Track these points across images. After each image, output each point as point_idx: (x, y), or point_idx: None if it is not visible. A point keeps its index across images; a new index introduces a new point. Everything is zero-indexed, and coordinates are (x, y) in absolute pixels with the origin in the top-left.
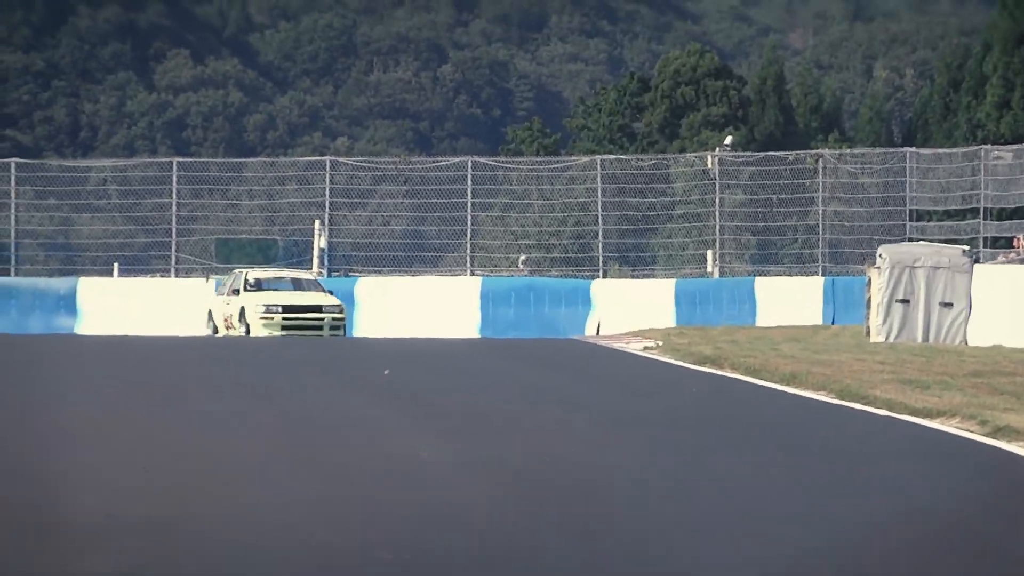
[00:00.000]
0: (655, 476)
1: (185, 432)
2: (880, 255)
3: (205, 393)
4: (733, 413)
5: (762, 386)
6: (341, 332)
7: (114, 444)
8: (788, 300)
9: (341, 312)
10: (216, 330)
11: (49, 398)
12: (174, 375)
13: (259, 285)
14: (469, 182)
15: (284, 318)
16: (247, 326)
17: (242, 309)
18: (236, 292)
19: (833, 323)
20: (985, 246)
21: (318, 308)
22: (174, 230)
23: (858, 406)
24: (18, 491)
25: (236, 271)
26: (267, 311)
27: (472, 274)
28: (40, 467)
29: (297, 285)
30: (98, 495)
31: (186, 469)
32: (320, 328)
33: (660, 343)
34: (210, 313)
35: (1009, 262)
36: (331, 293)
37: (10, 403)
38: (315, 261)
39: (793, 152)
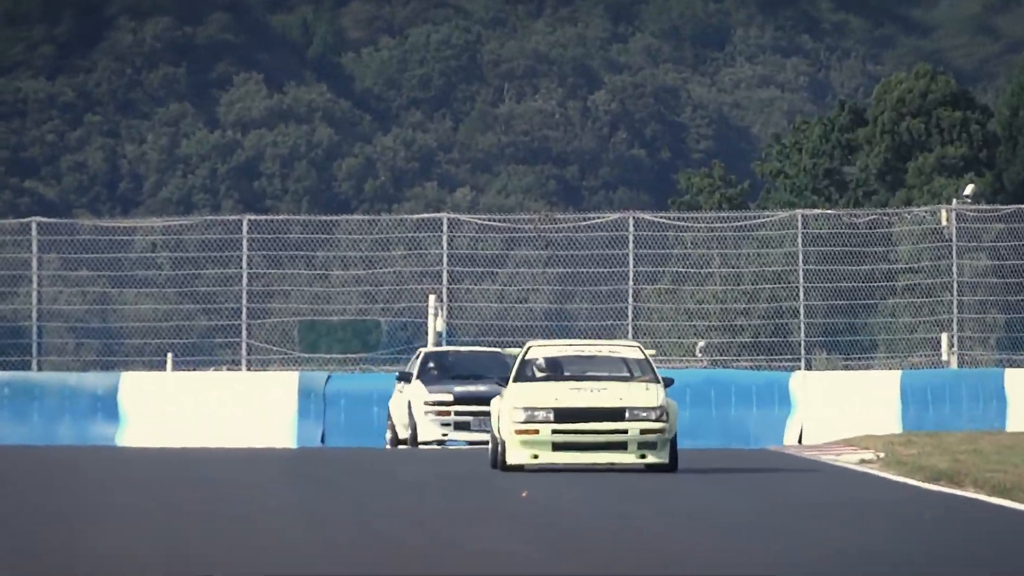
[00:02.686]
0: None
1: None
2: None
3: (297, 524)
4: (978, 549)
5: (1016, 510)
6: (662, 453)
7: None
8: None
9: (659, 419)
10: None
11: (85, 536)
12: (249, 502)
13: (554, 368)
14: (631, 245)
15: (555, 431)
16: (500, 445)
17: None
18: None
19: None
20: None
21: (618, 414)
22: (244, 310)
23: None
24: None
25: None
26: (527, 419)
27: None
28: None
29: (608, 368)
30: None
31: None
32: (622, 447)
33: (881, 454)
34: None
35: None
36: (662, 384)
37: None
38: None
39: None
